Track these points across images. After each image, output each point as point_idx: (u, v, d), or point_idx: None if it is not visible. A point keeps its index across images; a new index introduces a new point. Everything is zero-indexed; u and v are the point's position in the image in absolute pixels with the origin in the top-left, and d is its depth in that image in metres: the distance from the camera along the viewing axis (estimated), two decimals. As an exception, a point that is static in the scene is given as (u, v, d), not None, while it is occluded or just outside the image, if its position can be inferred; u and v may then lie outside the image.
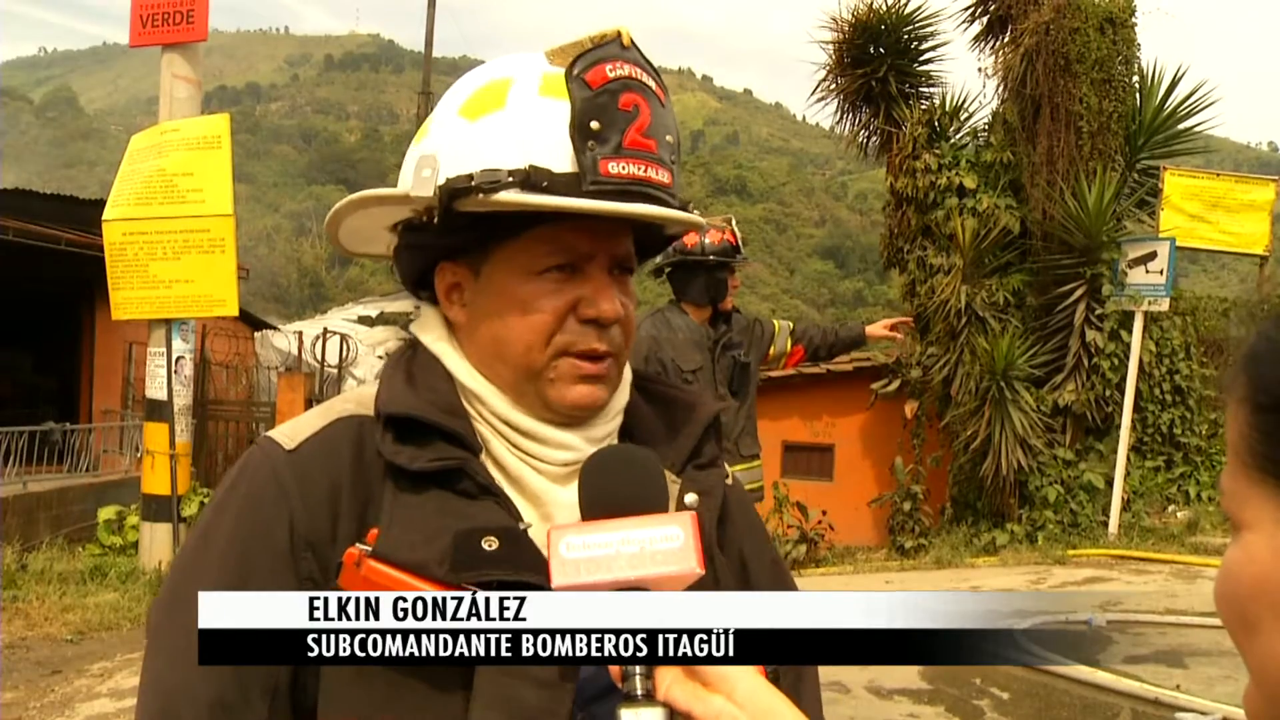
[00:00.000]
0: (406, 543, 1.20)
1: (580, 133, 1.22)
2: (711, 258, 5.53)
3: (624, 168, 1.23)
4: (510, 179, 1.22)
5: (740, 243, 5.69)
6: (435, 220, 1.27)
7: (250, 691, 1.20)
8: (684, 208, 1.32)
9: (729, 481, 1.45)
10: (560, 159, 1.23)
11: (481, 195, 1.22)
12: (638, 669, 1.05)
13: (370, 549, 1.18)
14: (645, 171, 1.24)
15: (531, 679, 1.17)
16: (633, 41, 1.27)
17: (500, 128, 1.26)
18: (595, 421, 1.35)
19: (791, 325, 6.17)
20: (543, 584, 1.13)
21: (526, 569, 1.18)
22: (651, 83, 1.27)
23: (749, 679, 1.05)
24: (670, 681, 1.05)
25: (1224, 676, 6.96)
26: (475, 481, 1.26)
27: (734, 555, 1.41)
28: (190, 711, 1.20)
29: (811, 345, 6.04)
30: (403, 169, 1.35)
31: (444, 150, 1.29)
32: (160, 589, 1.36)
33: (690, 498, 1.30)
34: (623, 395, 1.40)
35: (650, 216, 1.27)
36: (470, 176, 1.23)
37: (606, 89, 1.23)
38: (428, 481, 1.25)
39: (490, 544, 1.20)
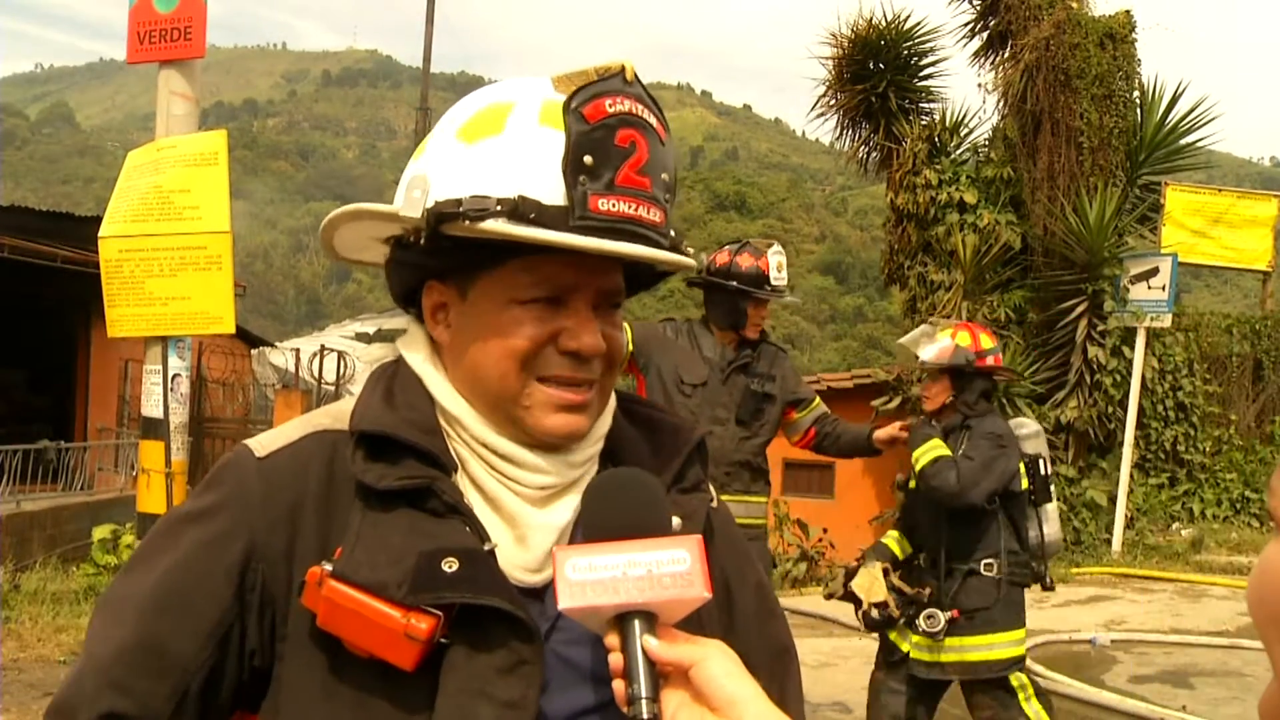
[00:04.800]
0: (369, 562, 1.21)
1: (572, 167, 1.20)
2: (733, 284, 5.17)
3: (614, 205, 1.21)
4: (498, 208, 1.20)
5: (773, 273, 5.23)
6: (422, 241, 1.25)
7: (158, 685, 1.22)
8: (676, 246, 1.30)
9: (714, 504, 1.44)
10: (551, 191, 1.21)
11: (468, 222, 1.20)
12: (644, 694, 1.06)
13: (332, 568, 1.20)
14: (636, 210, 1.23)
15: (493, 700, 1.18)
16: (636, 77, 1.25)
17: (495, 154, 1.25)
18: (575, 447, 1.34)
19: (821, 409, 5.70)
20: (504, 607, 1.17)
21: (487, 592, 1.19)
22: (652, 119, 1.26)
23: (757, 703, 1.06)
24: (677, 705, 1.08)
25: (1231, 697, 6.92)
26: (443, 501, 1.25)
27: (716, 579, 1.37)
28: (93, 684, 1.22)
29: (822, 431, 5.57)
30: (400, 184, 1.33)
31: (436, 172, 1.27)
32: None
33: (674, 522, 1.26)
34: (604, 422, 1.39)
35: (636, 257, 1.24)
36: (459, 201, 1.21)
37: (604, 124, 1.21)
38: (397, 500, 1.25)
39: (451, 565, 1.19)
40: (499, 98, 1.30)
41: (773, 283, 5.24)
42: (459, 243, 1.23)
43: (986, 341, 5.14)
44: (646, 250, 1.24)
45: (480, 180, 1.23)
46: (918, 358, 5.28)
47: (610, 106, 1.21)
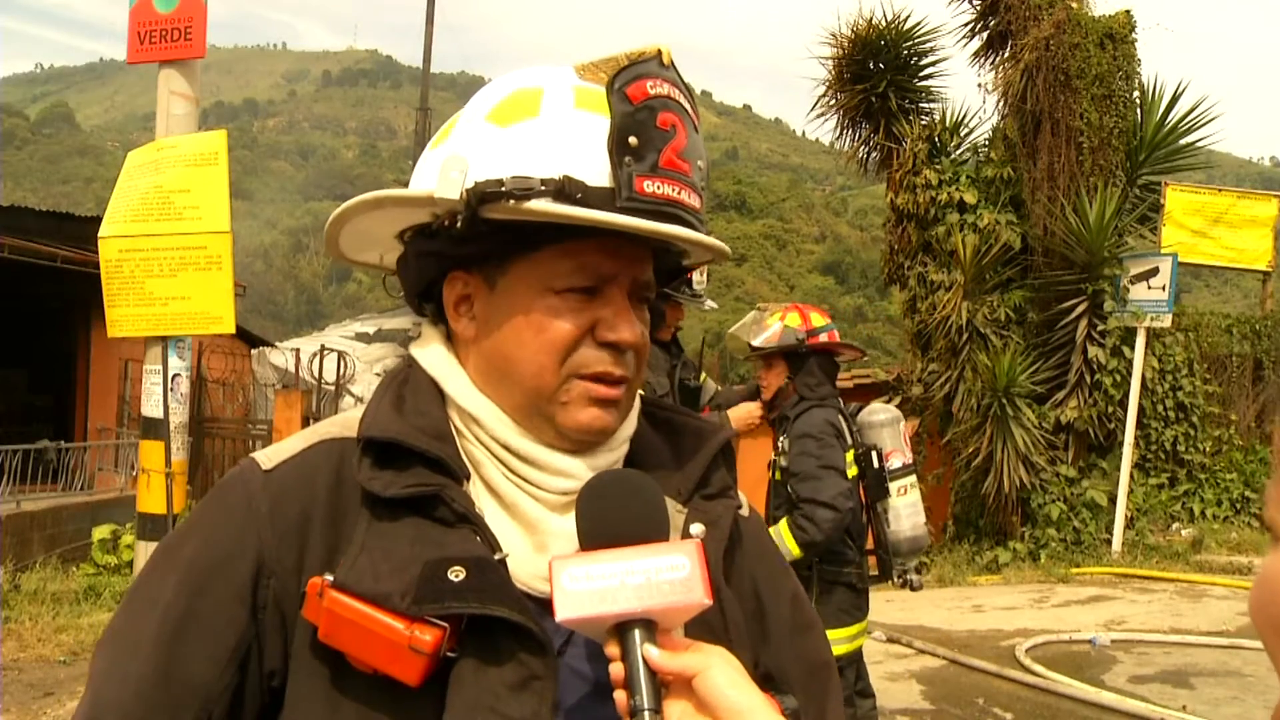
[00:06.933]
0: (372, 572, 1.16)
1: (618, 147, 1.18)
2: None
3: (659, 187, 1.19)
4: (543, 187, 1.16)
5: (695, 276, 5.17)
6: (458, 224, 1.20)
7: (181, 716, 1.17)
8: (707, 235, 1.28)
9: (744, 512, 1.39)
10: (595, 172, 1.18)
11: (512, 202, 1.17)
12: (646, 705, 1.04)
13: (333, 578, 1.15)
14: (679, 194, 1.20)
15: (504, 717, 1.13)
16: (672, 61, 1.23)
17: (534, 136, 1.21)
18: (599, 449, 1.29)
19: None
20: (511, 618, 1.11)
21: (494, 602, 1.13)
22: (687, 105, 1.23)
23: (762, 713, 1.05)
24: (679, 715, 1.06)
25: (1231, 697, 6.91)
26: (452, 510, 1.20)
27: (746, 589, 1.36)
28: None
29: (713, 405, 5.42)
30: (416, 172, 1.30)
31: (473, 153, 1.22)
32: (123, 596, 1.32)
33: (696, 528, 1.24)
34: (629, 424, 1.34)
35: (682, 238, 1.22)
36: (501, 181, 1.17)
37: (647, 105, 1.19)
38: (404, 509, 1.20)
39: (458, 575, 1.14)
40: (525, 83, 1.26)
41: (695, 287, 5.17)
42: (495, 227, 1.20)
43: (818, 320, 5.03)
44: (692, 233, 1.22)
45: (520, 161, 1.19)
46: (749, 345, 5.12)
47: (652, 88, 1.19)
